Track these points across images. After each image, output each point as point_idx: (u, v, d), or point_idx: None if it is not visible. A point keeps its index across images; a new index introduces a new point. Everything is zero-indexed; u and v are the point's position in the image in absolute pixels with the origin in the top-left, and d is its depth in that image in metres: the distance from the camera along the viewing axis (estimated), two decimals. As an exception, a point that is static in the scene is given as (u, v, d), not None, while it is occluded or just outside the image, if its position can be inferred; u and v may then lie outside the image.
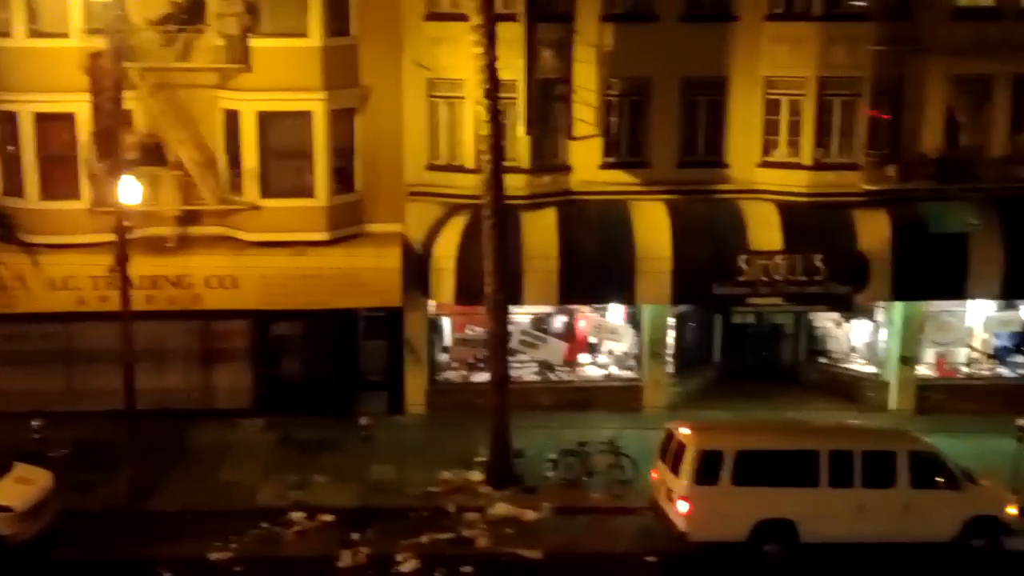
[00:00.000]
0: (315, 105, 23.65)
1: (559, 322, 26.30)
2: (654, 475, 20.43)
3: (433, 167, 24.87)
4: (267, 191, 24.02)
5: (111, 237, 21.28)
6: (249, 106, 23.61)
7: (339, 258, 24.23)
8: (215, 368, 25.32)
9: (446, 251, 24.46)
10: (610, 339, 26.41)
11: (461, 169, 24.42)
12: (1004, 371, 26.64)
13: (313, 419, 24.45)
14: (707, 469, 18.83)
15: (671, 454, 19.60)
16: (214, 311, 24.47)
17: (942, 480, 19.31)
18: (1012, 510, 19.57)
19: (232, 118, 23.89)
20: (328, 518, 20.52)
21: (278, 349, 25.61)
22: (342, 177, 24.47)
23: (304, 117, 23.75)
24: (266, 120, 23.73)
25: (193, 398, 25.27)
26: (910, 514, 19.05)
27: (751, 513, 18.95)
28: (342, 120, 24.22)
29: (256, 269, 23.98)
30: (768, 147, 24.95)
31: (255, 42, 23.29)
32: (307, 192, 24.10)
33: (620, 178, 25.15)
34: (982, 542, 19.44)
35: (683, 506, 18.87)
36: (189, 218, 24.38)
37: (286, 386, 25.38)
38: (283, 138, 23.97)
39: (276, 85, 23.46)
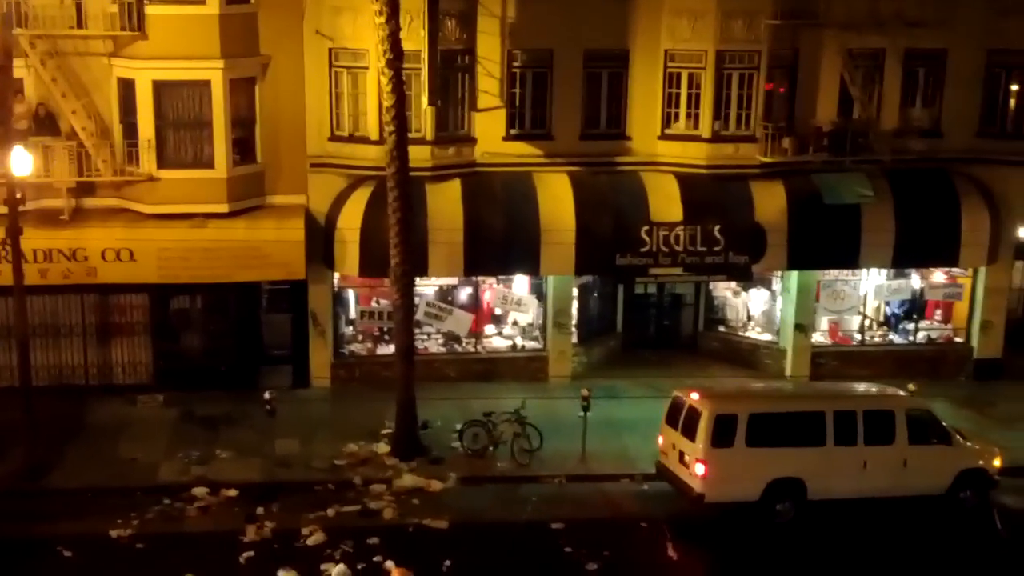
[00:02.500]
0: (213, 74, 23.19)
1: (464, 294, 26.37)
2: (661, 441, 20.90)
3: (336, 138, 24.63)
4: (165, 162, 23.52)
5: (2, 209, 20.65)
6: (145, 75, 23.05)
7: (240, 230, 23.87)
8: (113, 343, 24.79)
9: (350, 223, 24.30)
10: (515, 310, 26.60)
11: (365, 140, 24.25)
12: (895, 337, 27.58)
13: (215, 394, 24.15)
14: (722, 432, 19.46)
15: (681, 420, 20.10)
16: (111, 285, 23.96)
17: (936, 436, 20.27)
18: (997, 462, 20.65)
19: (127, 87, 23.29)
20: (232, 493, 20.33)
21: (178, 323, 25.20)
22: (242, 148, 24.08)
23: (202, 86, 23.28)
24: (163, 89, 23.22)
25: (91, 374, 24.77)
26: (908, 469, 20.06)
27: (764, 473, 19.69)
28: (242, 90, 23.82)
29: (154, 242, 23.49)
30: (669, 120, 25.29)
31: (151, 9, 22.71)
32: (206, 163, 23.66)
33: (524, 150, 25.25)
34: (968, 495, 20.45)
35: (700, 468, 19.47)
36: (84, 190, 23.77)
37: (187, 361, 25.02)
38: (181, 108, 23.50)
39: (173, 53, 22.94)
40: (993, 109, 26.12)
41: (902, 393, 21.39)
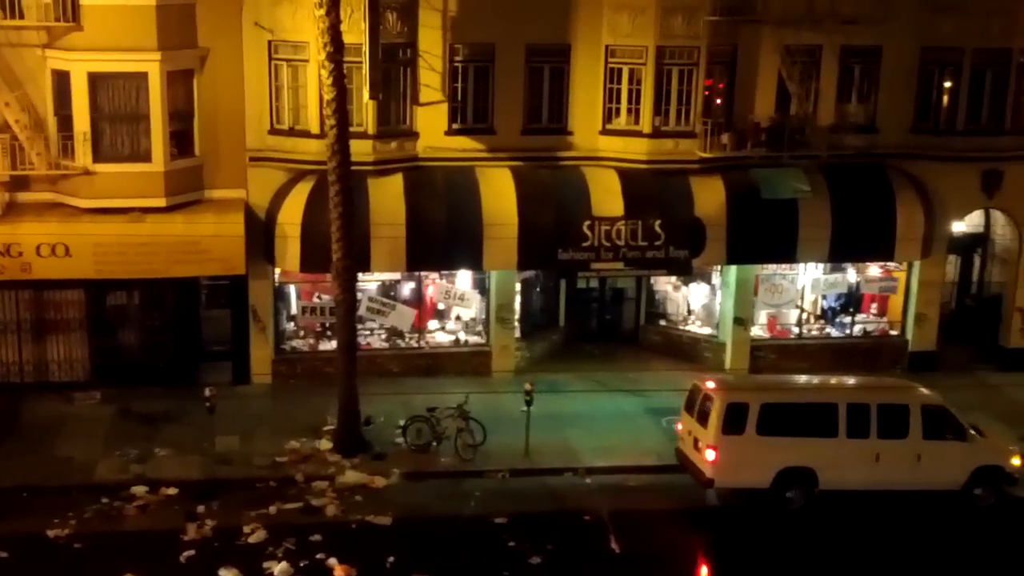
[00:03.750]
0: (150, 66, 22.85)
1: (407, 289, 26.30)
2: (679, 427, 21.43)
3: (276, 132, 24.40)
4: (101, 156, 23.14)
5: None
6: (80, 67, 22.64)
7: (178, 225, 23.57)
8: (49, 340, 24.37)
9: (291, 218, 24.10)
10: (458, 305, 26.59)
11: (306, 134, 24.05)
12: (832, 331, 28.01)
13: (154, 391, 23.87)
14: (733, 420, 19.94)
15: (697, 407, 20.61)
16: (46, 281, 23.54)
17: (951, 432, 20.49)
18: (1016, 460, 20.84)
19: (62, 79, 22.87)
20: (171, 491, 20.12)
21: (115, 319, 24.83)
22: (180, 141, 23.78)
23: (139, 79, 22.94)
24: (98, 81, 22.85)
25: (26, 371, 24.34)
26: (921, 464, 20.30)
27: (774, 461, 20.10)
28: (179, 82, 23.51)
29: (90, 237, 23.11)
30: (610, 115, 25.42)
31: (86, -1, 22.35)
32: (143, 157, 23.32)
33: (466, 144, 25.23)
34: (984, 491, 20.68)
35: (711, 454, 19.95)
36: (18, 184, 23.30)
37: (124, 357, 24.67)
38: (117, 100, 23.15)
39: (109, 45, 22.55)
40: (927, 105, 26.56)
41: (918, 388, 21.58)
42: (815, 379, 23.05)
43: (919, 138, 26.58)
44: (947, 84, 26.37)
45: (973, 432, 20.79)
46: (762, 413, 19.97)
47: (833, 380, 22.99)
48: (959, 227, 28.05)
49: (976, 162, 26.71)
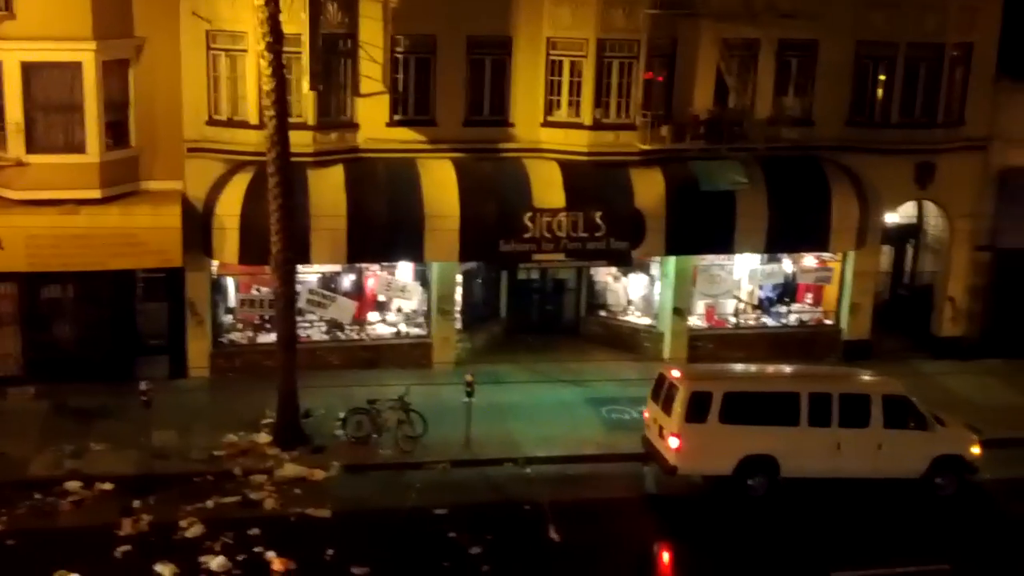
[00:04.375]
0: (85, 56, 22.51)
1: (348, 281, 26.20)
2: (646, 415, 21.71)
3: (214, 122, 24.18)
4: (34, 146, 22.77)
5: None
6: (12, 56, 22.23)
7: (114, 217, 23.25)
8: (-21, 334, 23.95)
9: (229, 209, 23.90)
10: (399, 297, 26.56)
11: (244, 125, 23.88)
12: (768, 320, 28.38)
13: (89, 385, 23.52)
14: (697, 408, 20.20)
15: (663, 395, 20.87)
16: (-24, 274, 23.13)
17: (912, 421, 20.79)
18: (975, 449, 21.16)
19: (-7, 69, 22.46)
20: (107, 487, 19.90)
21: (49, 313, 24.43)
22: (116, 132, 23.46)
23: (73, 68, 22.60)
24: (32, 71, 22.49)
25: (-44, 366, 23.91)
26: (883, 452, 20.59)
27: (737, 449, 20.37)
28: (115, 72, 23.19)
29: (23, 229, 22.71)
30: (551, 107, 25.50)
31: (17, -13, 21.94)
32: (78, 147, 22.97)
33: (408, 136, 25.18)
34: (944, 480, 21.00)
35: (674, 442, 20.22)
36: (-53, 175, 22.88)
37: (59, 352, 24.28)
38: (51, 90, 22.81)
39: (42, 34, 22.16)
40: (862, 99, 26.95)
41: (880, 377, 21.90)
42: (778, 368, 23.34)
43: (854, 131, 27.00)
44: (882, 78, 26.77)
45: (934, 421, 21.09)
46: (725, 402, 20.25)
47: (796, 369, 23.36)
48: (892, 218, 28.62)
49: (909, 154, 27.18)
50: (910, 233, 30.14)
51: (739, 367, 23.44)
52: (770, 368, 23.28)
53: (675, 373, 21.05)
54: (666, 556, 19.18)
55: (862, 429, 20.55)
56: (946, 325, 28.79)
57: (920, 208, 29.64)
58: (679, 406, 20.24)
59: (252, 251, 23.60)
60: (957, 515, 20.64)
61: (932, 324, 29.05)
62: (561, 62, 25.22)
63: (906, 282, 30.72)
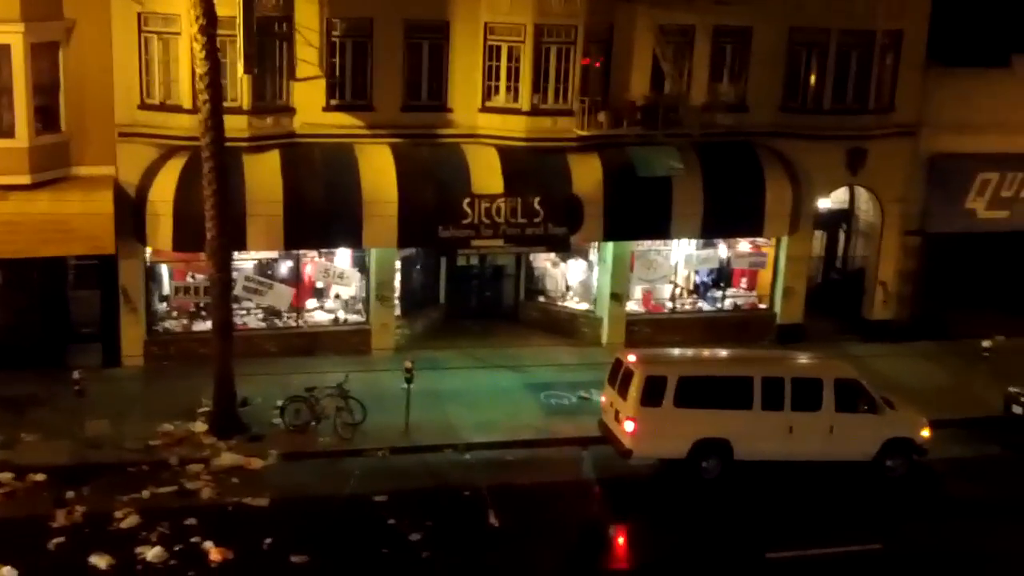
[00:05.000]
0: (13, 38, 22.02)
1: (285, 267, 26.00)
2: (603, 399, 21.90)
3: (147, 107, 23.80)
4: (-41, 131, 22.27)
5: None
6: (-65, 38, 21.70)
7: (44, 203, 22.81)
8: (-95, 322, 23.41)
9: (163, 195, 23.57)
10: (337, 283, 26.42)
11: (178, 109, 23.53)
12: (704, 305, 28.73)
13: (19, 374, 23.10)
14: (652, 392, 20.45)
15: (619, 380, 21.05)
16: (-98, 260, 22.57)
17: (863, 405, 21.08)
18: (925, 432, 21.48)
19: (-84, 50, 21.87)
20: (39, 477, 19.57)
21: (-23, 300, 23.96)
22: (46, 116, 23.00)
23: (1, 51, 22.04)
24: (-43, 53, 21.95)
25: None
26: (834, 435, 20.89)
27: (691, 432, 20.61)
28: (44, 55, 22.71)
29: (-51, 215, 22.23)
30: (489, 92, 25.48)
31: (-58, -32, 21.35)
32: (6, 132, 22.50)
33: (345, 121, 25.01)
34: (895, 462, 21.31)
35: (629, 425, 20.48)
36: None
37: (-12, 339, 23.81)
38: (-23, 73, 22.26)
39: (-33, 16, 21.65)
40: (795, 85, 27.30)
41: (833, 362, 22.27)
42: (732, 353, 23.64)
43: (787, 117, 27.36)
44: (814, 64, 27.09)
45: (885, 405, 21.45)
46: (680, 386, 20.49)
47: (749, 354, 23.62)
48: (825, 203, 29.08)
49: (841, 140, 27.65)
50: (842, 218, 30.70)
51: (694, 351, 23.75)
52: (724, 352, 23.60)
53: (631, 358, 21.24)
54: (606, 539, 19.34)
55: (814, 412, 20.87)
56: (877, 308, 29.41)
57: (852, 193, 30.19)
58: (635, 390, 20.47)
59: (187, 237, 23.31)
60: (902, 496, 21.06)
61: (863, 307, 29.65)
62: (499, 47, 25.19)
63: (838, 266, 31.31)
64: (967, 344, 27.61)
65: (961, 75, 28.20)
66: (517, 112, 25.29)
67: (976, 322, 28.79)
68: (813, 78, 27.17)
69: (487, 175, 25.26)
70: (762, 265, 28.71)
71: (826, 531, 19.38)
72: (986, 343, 26.57)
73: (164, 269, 25.28)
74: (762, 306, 28.90)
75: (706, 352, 23.46)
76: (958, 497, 21.11)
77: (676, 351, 23.68)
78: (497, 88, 25.41)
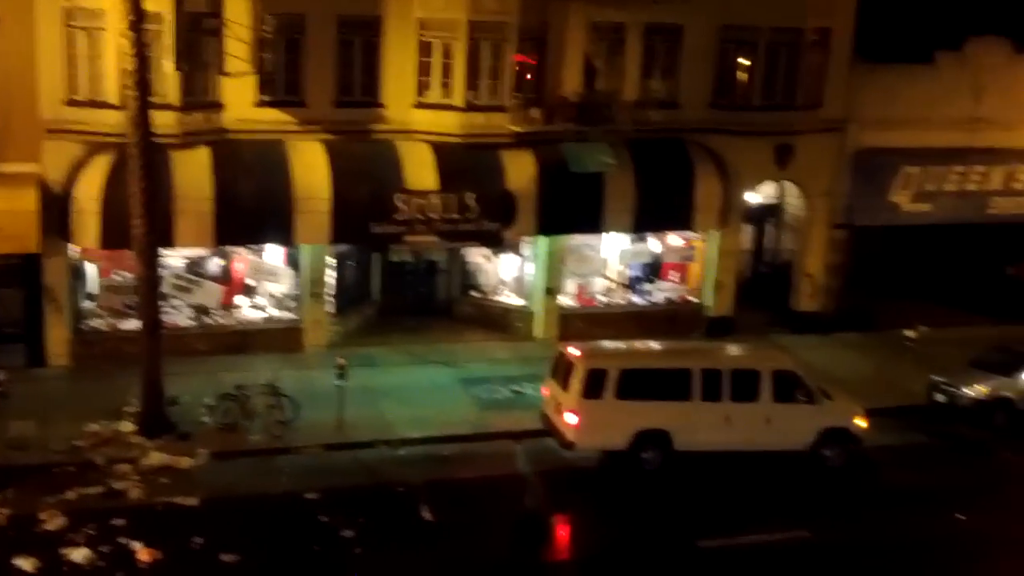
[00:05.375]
0: (-70, 32, 21.61)
1: (215, 265, 25.75)
2: (545, 392, 22.09)
3: (73, 103, 23.43)
4: None
5: None
6: None
7: (-34, 201, 22.41)
8: None
9: (89, 192, 23.24)
10: (268, 280, 26.24)
11: (105, 105, 23.18)
12: (636, 299, 28.99)
13: (-60, 375, 22.65)
14: (593, 385, 20.65)
15: (561, 373, 21.29)
16: None
17: (800, 395, 21.36)
18: (860, 422, 21.78)
19: None
20: (-39, 480, 19.24)
21: None
22: (-34, 113, 22.57)
23: (-81, 45, 21.67)
24: None
25: None
26: (772, 425, 21.17)
27: (631, 424, 20.82)
28: (-36, 50, 22.29)
29: None
30: (422, 88, 25.47)
31: None
32: (-74, 128, 22.08)
33: (276, 117, 24.84)
34: (832, 451, 21.61)
35: (571, 418, 20.67)
36: None
37: (-93, 340, 23.32)
38: None
39: None
40: (725, 82, 27.62)
41: (771, 353, 22.62)
42: (672, 345, 23.92)
43: (717, 113, 27.68)
44: (744, 61, 27.47)
45: (821, 395, 21.77)
46: (621, 378, 20.71)
47: (689, 346, 24.01)
48: (754, 198, 29.55)
49: (770, 136, 28.09)
50: (770, 212, 31.20)
51: (635, 344, 23.98)
52: (664, 345, 23.85)
53: (573, 351, 21.41)
54: (541, 532, 19.45)
55: (752, 403, 21.19)
56: (804, 301, 29.94)
57: (780, 188, 30.69)
58: (576, 383, 20.67)
59: (114, 235, 23.00)
60: (837, 484, 21.42)
61: (791, 300, 30.16)
62: (433, 43, 25.18)
63: (767, 260, 31.83)
64: (892, 334, 28.25)
65: (887, 72, 28.81)
66: (451, 108, 25.29)
67: (901, 313, 29.45)
68: (743, 75, 27.55)
69: (421, 171, 25.25)
70: (692, 259, 29.07)
71: (758, 520, 19.67)
72: (910, 333, 27.20)
73: (90, 267, 24.90)
74: (692, 299, 29.24)
75: (647, 345, 23.72)
76: (890, 485, 21.55)
77: (618, 344, 23.91)
78: (431, 84, 25.40)
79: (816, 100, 28.25)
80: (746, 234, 30.42)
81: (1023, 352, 24.84)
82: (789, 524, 19.44)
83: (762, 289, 30.82)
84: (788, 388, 21.43)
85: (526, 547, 18.71)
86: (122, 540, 17.64)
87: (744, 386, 21.20)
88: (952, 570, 18.38)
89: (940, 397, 24.71)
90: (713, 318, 28.90)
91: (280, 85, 24.84)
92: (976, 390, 24.21)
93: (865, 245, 29.99)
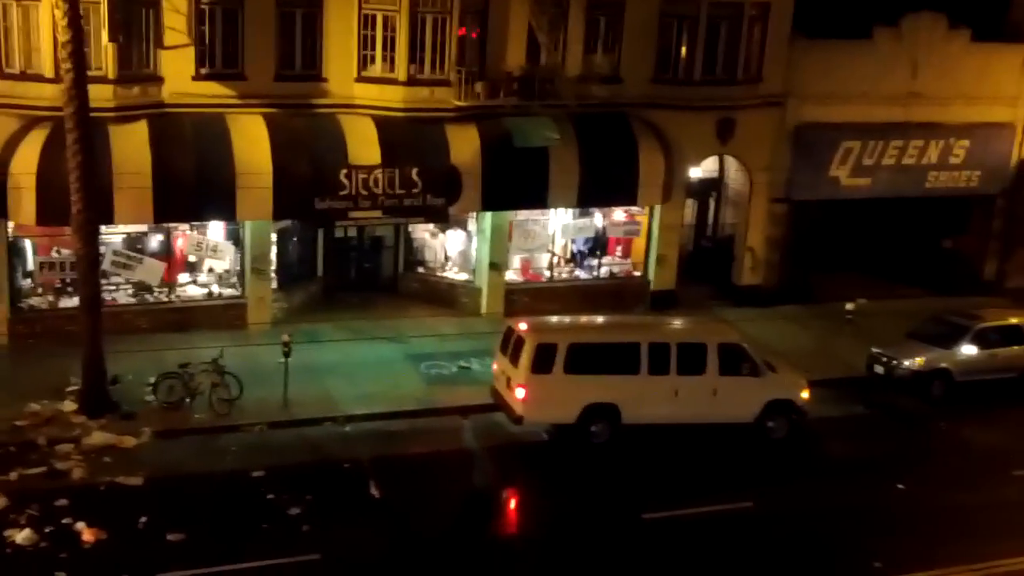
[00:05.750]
0: None
1: (155, 241, 25.35)
2: (495, 367, 22.14)
3: (6, 76, 22.92)
4: None
5: None
6: None
7: None
8: None
9: (25, 167, 22.74)
10: (211, 257, 25.90)
11: (39, 78, 22.69)
12: (581, 273, 29.16)
13: None
14: (542, 360, 20.71)
15: (510, 348, 21.27)
16: None
17: (746, 368, 21.55)
18: (804, 394, 22.07)
19: None
20: (-102, 463, 18.83)
21: None
22: None
23: None
24: None
25: None
26: (718, 398, 21.40)
27: (580, 398, 20.98)
28: None
29: None
30: (365, 62, 25.28)
31: None
32: None
33: (216, 90, 24.47)
34: (776, 423, 21.88)
35: (520, 392, 20.75)
36: None
37: None
38: None
39: None
40: (667, 57, 27.76)
41: (717, 326, 22.81)
42: (620, 320, 24.05)
43: (660, 88, 27.81)
44: (685, 36, 27.59)
45: (766, 368, 22.05)
46: (569, 353, 20.80)
47: (637, 320, 24.11)
48: (696, 172, 29.79)
49: (711, 111, 28.30)
50: (712, 187, 31.49)
51: (584, 319, 24.06)
52: (612, 319, 23.99)
53: (522, 326, 21.49)
54: (487, 506, 19.57)
55: (699, 376, 21.41)
56: (746, 274, 30.33)
57: (721, 163, 30.97)
58: (525, 358, 20.74)
59: (51, 211, 22.53)
60: (781, 455, 21.81)
61: (733, 273, 30.55)
62: (374, 16, 24.97)
63: (709, 234, 32.13)
64: (832, 307, 28.80)
65: (826, 47, 29.15)
66: (394, 82, 25.12)
67: (840, 286, 30.04)
68: (684, 50, 27.70)
69: (364, 146, 25.07)
70: (636, 233, 29.23)
71: (702, 491, 19.97)
72: (849, 306, 27.71)
73: (28, 244, 24.41)
74: (636, 273, 29.46)
75: (595, 319, 23.80)
76: (831, 455, 22.00)
77: (566, 319, 24.04)
78: (373, 58, 25.23)
79: (756, 75, 28.54)
80: (688, 209, 30.67)
81: (959, 324, 25.40)
82: (733, 495, 19.76)
83: (704, 263, 31.14)
84: (734, 361, 21.71)
85: (474, 522, 18.81)
86: (66, 520, 17.40)
87: (691, 360, 21.42)
88: (889, 536, 18.83)
89: (879, 369, 25.24)
90: (656, 292, 29.13)
91: (219, 58, 24.50)
92: (914, 362, 24.75)
93: (805, 219, 30.43)
